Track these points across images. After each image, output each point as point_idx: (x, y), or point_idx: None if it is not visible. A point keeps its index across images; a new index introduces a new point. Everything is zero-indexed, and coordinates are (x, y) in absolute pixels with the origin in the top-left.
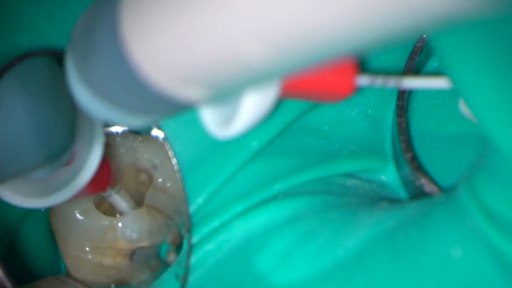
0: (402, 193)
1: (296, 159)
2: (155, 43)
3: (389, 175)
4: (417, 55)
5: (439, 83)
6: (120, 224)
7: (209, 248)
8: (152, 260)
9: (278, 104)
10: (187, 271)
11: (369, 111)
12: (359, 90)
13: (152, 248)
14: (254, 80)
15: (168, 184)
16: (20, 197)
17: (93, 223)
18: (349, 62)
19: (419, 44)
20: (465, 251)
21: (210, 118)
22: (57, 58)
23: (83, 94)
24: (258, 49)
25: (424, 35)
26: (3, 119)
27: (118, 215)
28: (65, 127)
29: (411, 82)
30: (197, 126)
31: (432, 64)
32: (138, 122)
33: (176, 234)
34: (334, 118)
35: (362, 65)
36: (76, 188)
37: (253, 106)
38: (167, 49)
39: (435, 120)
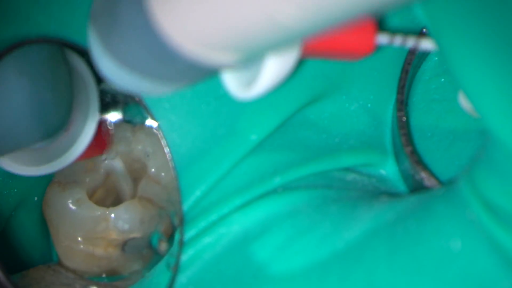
0: (401, 187)
1: (296, 153)
2: (183, 8)
3: (388, 169)
4: (417, 50)
5: None
6: (112, 215)
7: (207, 241)
8: (144, 250)
9: (278, 97)
10: (178, 260)
11: (369, 105)
12: (359, 84)
13: (143, 239)
14: (285, 41)
15: (162, 174)
16: (22, 166)
17: (85, 213)
18: (369, 21)
19: None
20: (465, 243)
21: (232, 81)
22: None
23: (109, 67)
24: (291, 10)
25: (424, 30)
26: (3, 100)
27: (110, 207)
28: (62, 106)
29: (429, 44)
30: (196, 118)
31: (433, 58)
32: (165, 89)
33: (168, 224)
34: (334, 112)
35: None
36: (75, 154)
37: (275, 66)
38: (196, 15)
39: (434, 114)
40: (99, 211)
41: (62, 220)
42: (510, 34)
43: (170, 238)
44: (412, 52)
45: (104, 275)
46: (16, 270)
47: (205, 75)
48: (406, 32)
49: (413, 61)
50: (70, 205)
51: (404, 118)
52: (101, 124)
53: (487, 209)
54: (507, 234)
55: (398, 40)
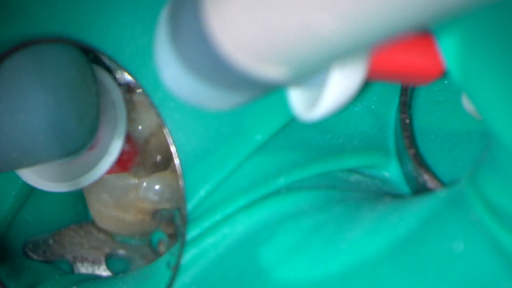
0: (405, 189)
1: (300, 153)
2: (233, 19)
3: (392, 171)
4: None
5: None
6: (144, 185)
7: (211, 241)
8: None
9: (283, 97)
10: (179, 261)
11: (373, 106)
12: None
13: (173, 211)
14: (331, 55)
15: None
16: (44, 181)
17: (116, 181)
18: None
19: None
20: (468, 245)
21: (297, 101)
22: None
23: (175, 73)
24: (329, 21)
25: None
26: (24, 113)
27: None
28: (86, 125)
29: None
30: (201, 117)
31: None
32: (225, 103)
33: (170, 223)
34: (338, 113)
35: None
36: (100, 172)
37: (338, 88)
38: (244, 26)
39: (438, 116)
40: (129, 179)
41: (94, 185)
42: (511, 34)
43: (171, 237)
44: None
45: (137, 237)
46: (49, 230)
47: (262, 89)
48: None
49: None
50: None
51: (407, 120)
52: (130, 142)
53: (490, 211)
54: (509, 235)
55: None
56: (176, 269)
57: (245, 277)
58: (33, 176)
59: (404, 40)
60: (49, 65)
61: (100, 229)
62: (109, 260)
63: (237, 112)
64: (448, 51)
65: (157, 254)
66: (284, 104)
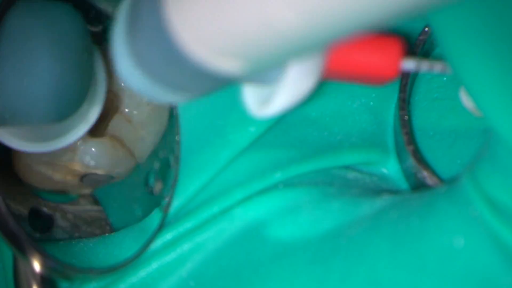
0: (403, 186)
1: (297, 150)
2: (192, 12)
3: (390, 168)
4: (419, 48)
5: None
6: (81, 148)
7: (208, 236)
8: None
9: None
10: (170, 200)
11: (371, 103)
12: None
13: (104, 176)
14: (288, 50)
15: (135, 112)
16: (18, 140)
17: None
18: (396, 44)
19: (421, 37)
20: (468, 240)
21: (251, 97)
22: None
23: (127, 68)
24: (289, 16)
25: (427, 28)
26: (28, 78)
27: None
28: (82, 92)
29: None
30: (194, 109)
31: (434, 56)
32: (177, 98)
33: (164, 164)
34: (336, 110)
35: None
36: (75, 137)
37: (294, 85)
38: (203, 18)
39: (436, 113)
40: None
41: None
42: (511, 30)
43: (164, 180)
44: (413, 52)
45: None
46: None
47: (216, 84)
48: (407, 31)
49: None
50: None
51: (406, 117)
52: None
53: (490, 206)
54: (509, 231)
55: (425, 66)
56: (167, 209)
57: (242, 272)
58: (7, 135)
59: (362, 39)
60: (59, 30)
61: (21, 182)
62: (31, 217)
63: (230, 104)
64: (448, 46)
65: (151, 194)
66: None
